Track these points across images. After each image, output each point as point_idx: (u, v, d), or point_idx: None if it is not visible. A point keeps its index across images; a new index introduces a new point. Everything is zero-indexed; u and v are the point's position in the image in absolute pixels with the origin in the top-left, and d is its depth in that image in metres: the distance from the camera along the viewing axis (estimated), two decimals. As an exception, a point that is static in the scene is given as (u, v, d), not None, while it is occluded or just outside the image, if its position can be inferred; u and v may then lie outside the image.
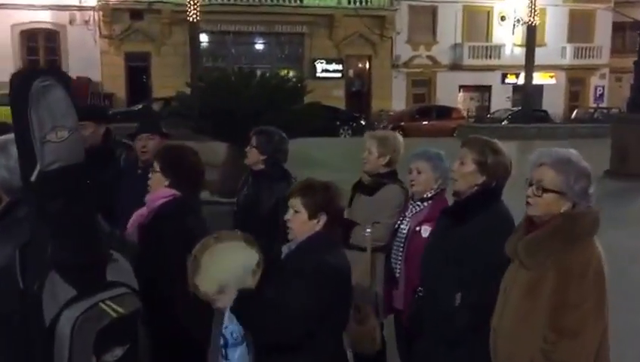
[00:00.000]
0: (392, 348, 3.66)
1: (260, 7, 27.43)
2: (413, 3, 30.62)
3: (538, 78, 29.30)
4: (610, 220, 5.45)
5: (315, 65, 29.43)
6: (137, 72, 27.72)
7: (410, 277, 3.28)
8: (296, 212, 2.47)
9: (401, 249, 3.40)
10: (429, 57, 31.54)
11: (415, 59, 31.30)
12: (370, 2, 29.38)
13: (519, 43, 30.63)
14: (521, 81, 28.74)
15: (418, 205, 3.41)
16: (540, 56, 26.71)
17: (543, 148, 2.37)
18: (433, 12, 31.24)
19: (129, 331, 1.91)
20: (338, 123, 23.40)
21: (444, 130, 22.82)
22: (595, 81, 33.96)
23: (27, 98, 1.66)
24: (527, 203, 2.33)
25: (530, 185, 2.31)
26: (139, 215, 2.97)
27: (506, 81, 32.62)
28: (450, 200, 3.09)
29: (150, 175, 3.04)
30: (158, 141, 3.90)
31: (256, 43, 29.73)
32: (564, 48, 33.01)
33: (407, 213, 3.45)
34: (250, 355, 2.43)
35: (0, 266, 1.78)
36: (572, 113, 30.91)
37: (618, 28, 33.95)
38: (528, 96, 25.97)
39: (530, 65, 25.34)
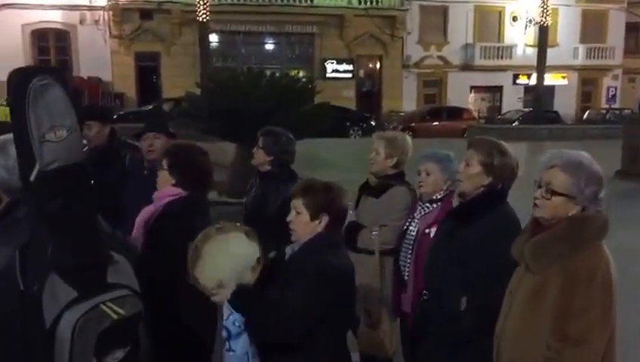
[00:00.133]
0: (398, 350, 3.63)
1: (270, 7, 27.47)
2: (424, 3, 30.55)
3: (550, 79, 29.17)
4: (621, 220, 5.41)
5: (325, 66, 29.44)
6: (147, 72, 27.86)
7: (419, 279, 3.24)
8: (298, 213, 2.46)
9: (409, 251, 3.37)
10: (440, 57, 31.47)
11: (426, 60, 31.23)
12: (381, 2, 29.33)
13: (531, 43, 30.49)
14: (532, 81, 28.61)
15: (427, 207, 3.38)
16: (552, 56, 26.60)
17: (553, 150, 2.32)
18: (444, 12, 31.16)
19: (130, 333, 1.90)
20: (348, 123, 23.37)
21: (454, 131, 22.76)
22: (607, 81, 33.74)
23: (25, 97, 1.64)
24: (535, 204, 2.28)
25: (539, 186, 2.26)
26: (146, 211, 2.98)
27: (518, 81, 32.49)
28: (456, 202, 3.06)
29: (158, 172, 3.05)
30: (164, 140, 3.90)
31: (266, 43, 29.77)
32: (576, 49, 32.84)
33: (415, 215, 3.42)
34: (252, 344, 2.42)
35: (0, 267, 1.76)
36: (584, 114, 30.73)
37: (631, 28, 33.76)
38: (540, 97, 25.83)
39: (541, 66, 25.22)
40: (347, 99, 27.98)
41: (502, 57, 31.60)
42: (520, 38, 32.00)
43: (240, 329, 2.39)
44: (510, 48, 31.80)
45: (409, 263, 3.37)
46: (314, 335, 2.33)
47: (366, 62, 31.08)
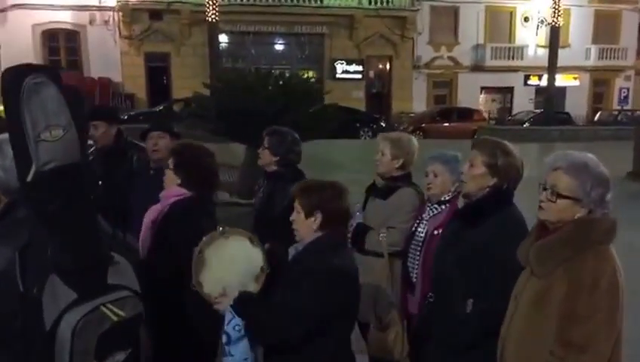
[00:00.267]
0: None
1: (280, 8, 27.46)
2: (435, 3, 30.46)
3: (561, 80, 29.00)
4: (632, 222, 5.35)
5: (335, 66, 29.41)
6: (157, 73, 27.93)
7: (427, 281, 3.22)
8: (297, 213, 2.51)
9: (418, 252, 3.34)
10: (451, 58, 31.36)
11: (436, 60, 31.13)
12: (392, 2, 29.27)
13: (542, 44, 30.31)
14: (543, 82, 28.45)
15: (435, 208, 3.35)
16: (564, 57, 26.43)
17: (559, 152, 2.28)
18: (455, 12, 31.05)
19: (130, 335, 1.89)
20: (358, 125, 23.32)
21: (465, 132, 22.65)
22: (619, 82, 33.50)
23: (19, 95, 1.63)
24: (540, 207, 2.25)
25: (544, 189, 2.23)
26: (153, 211, 2.99)
27: (529, 82, 32.32)
28: (461, 203, 3.04)
29: (165, 171, 3.07)
30: (168, 140, 3.90)
31: (276, 43, 29.77)
32: (588, 49, 32.62)
33: (424, 216, 3.39)
34: (252, 350, 2.42)
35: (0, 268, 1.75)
36: (595, 115, 30.53)
37: (644, 29, 33.49)
38: (551, 98, 25.69)
39: (552, 67, 25.07)
40: (357, 100, 27.94)
41: (513, 58, 31.41)
42: (531, 39, 31.83)
43: (240, 335, 2.38)
44: (521, 49, 31.62)
45: (417, 265, 3.34)
46: (315, 336, 2.34)
47: (376, 63, 31.01)
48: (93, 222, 1.83)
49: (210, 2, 22.68)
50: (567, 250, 2.16)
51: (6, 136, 1.74)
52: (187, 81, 24.13)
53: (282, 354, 2.40)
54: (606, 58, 32.81)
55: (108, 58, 26.05)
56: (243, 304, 2.37)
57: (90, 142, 4.11)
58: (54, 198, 1.67)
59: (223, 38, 27.25)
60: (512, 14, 31.93)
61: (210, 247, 2.47)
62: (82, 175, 1.76)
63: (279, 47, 29.92)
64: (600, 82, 33.77)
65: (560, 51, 25.57)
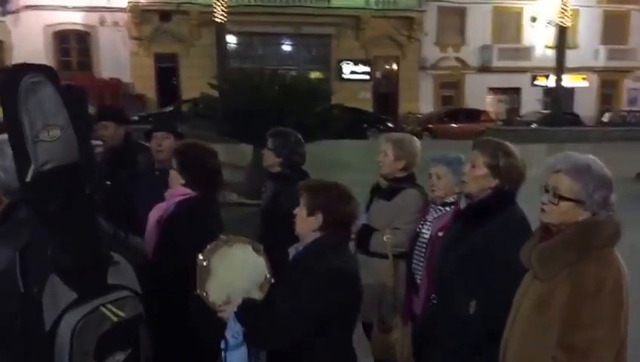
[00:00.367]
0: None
1: (287, 9, 27.48)
2: (442, 4, 30.40)
3: (570, 81, 28.86)
4: (638, 223, 5.30)
5: (341, 67, 29.43)
6: (167, 74, 28.02)
7: (431, 282, 3.21)
8: (301, 208, 2.53)
9: (422, 254, 3.34)
10: (458, 59, 31.29)
11: (443, 61, 31.07)
12: (398, 3, 29.22)
13: (550, 44, 30.19)
14: (551, 83, 28.30)
15: (440, 209, 3.35)
16: (572, 58, 26.32)
17: (560, 153, 2.25)
18: (462, 13, 30.98)
19: (130, 336, 1.89)
20: (365, 125, 23.29)
21: (472, 133, 22.50)
22: (628, 83, 33.32)
23: (17, 95, 1.63)
24: (542, 209, 2.22)
25: (546, 191, 2.20)
26: (159, 209, 3.00)
27: (536, 83, 32.17)
28: (463, 204, 3.03)
29: (170, 171, 3.09)
30: (172, 140, 3.90)
31: (283, 44, 29.80)
32: (596, 50, 32.46)
33: (428, 218, 3.39)
34: (250, 357, 2.42)
35: (0, 269, 1.75)
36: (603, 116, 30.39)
37: (654, 29, 33.26)
38: (558, 99, 25.57)
39: (560, 68, 24.95)
40: (364, 100, 27.92)
41: (520, 59, 31.30)
42: (539, 40, 31.70)
43: (238, 342, 2.38)
44: (529, 49, 31.50)
45: (421, 266, 3.33)
46: (315, 335, 2.34)
47: (383, 64, 30.98)
48: (93, 222, 1.83)
49: (218, 3, 22.72)
50: (570, 253, 2.12)
51: (6, 136, 1.75)
52: (196, 82, 24.11)
53: (283, 353, 2.40)
54: (615, 59, 32.62)
55: (118, 59, 26.19)
56: (246, 310, 2.38)
57: (98, 142, 4.13)
58: (54, 198, 1.67)
59: (231, 39, 27.30)
60: (519, 15, 31.82)
61: (214, 255, 2.48)
62: (81, 175, 1.75)
63: (286, 47, 29.95)
64: (608, 83, 33.59)
65: (568, 52, 25.50)
